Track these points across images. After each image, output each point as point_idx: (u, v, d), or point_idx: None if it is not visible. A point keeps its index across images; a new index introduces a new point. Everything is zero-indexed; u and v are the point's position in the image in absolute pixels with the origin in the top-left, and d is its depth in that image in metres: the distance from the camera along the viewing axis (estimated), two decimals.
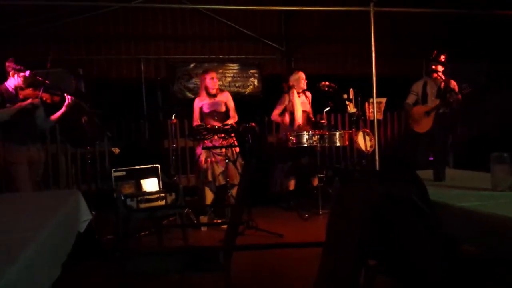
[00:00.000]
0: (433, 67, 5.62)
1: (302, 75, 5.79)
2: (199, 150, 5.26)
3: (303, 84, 5.76)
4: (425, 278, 1.73)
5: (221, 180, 5.15)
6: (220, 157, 5.13)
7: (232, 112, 5.37)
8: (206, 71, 5.44)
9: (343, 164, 7.44)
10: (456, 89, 5.61)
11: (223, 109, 5.32)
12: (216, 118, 5.23)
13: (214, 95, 5.30)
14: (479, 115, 6.92)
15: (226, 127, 5.06)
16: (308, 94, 5.91)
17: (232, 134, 5.00)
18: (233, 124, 5.13)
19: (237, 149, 5.15)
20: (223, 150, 5.10)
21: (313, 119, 5.92)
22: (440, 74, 5.57)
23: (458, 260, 1.89)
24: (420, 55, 7.32)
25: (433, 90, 5.67)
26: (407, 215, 1.87)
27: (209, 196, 5.22)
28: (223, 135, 5.02)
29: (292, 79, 5.80)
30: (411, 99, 5.85)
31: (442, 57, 5.59)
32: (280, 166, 5.95)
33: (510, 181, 2.28)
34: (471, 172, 3.16)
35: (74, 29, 6.52)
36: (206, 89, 5.28)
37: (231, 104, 5.39)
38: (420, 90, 5.75)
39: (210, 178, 5.13)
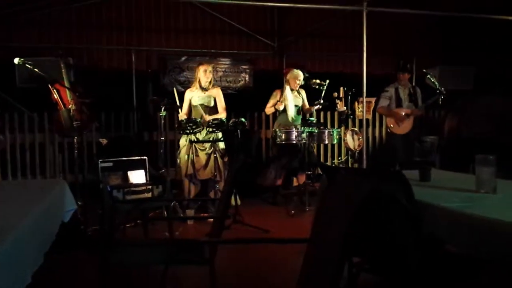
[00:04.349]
0: (401, 75, 6.11)
1: (297, 75, 5.80)
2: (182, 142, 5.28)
3: (296, 84, 5.78)
4: (408, 274, 1.75)
5: (202, 175, 5.17)
6: (201, 152, 5.15)
7: (221, 109, 5.36)
8: (201, 63, 5.45)
9: (331, 162, 7.48)
10: (420, 97, 6.17)
11: (212, 103, 5.31)
12: (204, 112, 5.22)
13: (205, 89, 5.29)
14: (466, 119, 6.99)
15: (215, 121, 5.08)
16: (302, 91, 5.93)
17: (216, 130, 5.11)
18: (222, 119, 5.15)
19: (221, 144, 5.19)
20: (205, 145, 5.15)
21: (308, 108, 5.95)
22: (406, 81, 6.16)
23: (440, 258, 1.91)
24: (411, 56, 7.37)
25: (405, 94, 6.10)
26: (392, 213, 1.88)
27: (193, 190, 5.25)
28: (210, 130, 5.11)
29: (289, 75, 5.85)
30: (384, 103, 6.15)
31: (408, 66, 6.24)
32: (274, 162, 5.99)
33: (494, 183, 2.31)
34: (457, 173, 3.19)
35: (66, 18, 6.44)
36: (198, 81, 5.29)
37: (221, 101, 5.38)
38: (393, 95, 6.13)
39: (190, 171, 5.15)
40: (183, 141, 5.27)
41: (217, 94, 5.38)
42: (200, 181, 5.27)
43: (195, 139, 5.14)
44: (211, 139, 5.18)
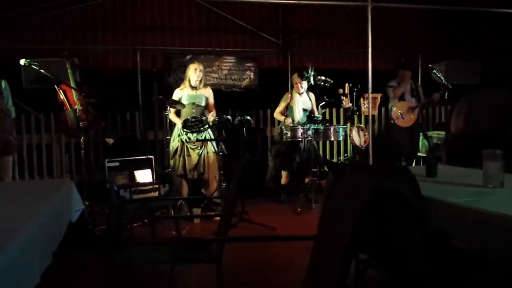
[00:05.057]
0: (402, 73, 6.29)
1: (293, 79, 5.80)
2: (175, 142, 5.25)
3: (298, 88, 5.74)
4: (414, 271, 1.74)
5: (194, 174, 5.15)
6: (193, 152, 5.13)
7: (211, 108, 5.33)
8: (192, 62, 5.43)
9: (337, 159, 7.46)
10: (422, 93, 6.38)
11: (203, 103, 5.28)
12: (193, 111, 5.17)
13: (195, 88, 5.27)
14: (471, 113, 6.98)
15: (220, 120, 5.07)
16: (312, 95, 5.91)
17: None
18: (228, 117, 5.14)
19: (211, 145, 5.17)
20: (197, 144, 5.12)
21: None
22: (408, 78, 6.34)
23: (447, 253, 1.90)
24: (416, 52, 7.33)
25: (407, 90, 6.30)
26: (399, 209, 1.88)
27: (185, 189, 5.24)
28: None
29: (293, 79, 5.85)
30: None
31: (409, 64, 6.47)
32: (276, 160, 5.97)
33: (502, 177, 2.29)
34: (464, 168, 3.17)
35: (71, 19, 6.47)
36: (189, 80, 5.26)
37: (211, 100, 5.35)
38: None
39: (181, 171, 5.14)
40: (176, 142, 5.21)
41: (209, 94, 5.35)
42: (193, 180, 5.25)
43: (187, 139, 5.12)
44: (203, 138, 5.15)
